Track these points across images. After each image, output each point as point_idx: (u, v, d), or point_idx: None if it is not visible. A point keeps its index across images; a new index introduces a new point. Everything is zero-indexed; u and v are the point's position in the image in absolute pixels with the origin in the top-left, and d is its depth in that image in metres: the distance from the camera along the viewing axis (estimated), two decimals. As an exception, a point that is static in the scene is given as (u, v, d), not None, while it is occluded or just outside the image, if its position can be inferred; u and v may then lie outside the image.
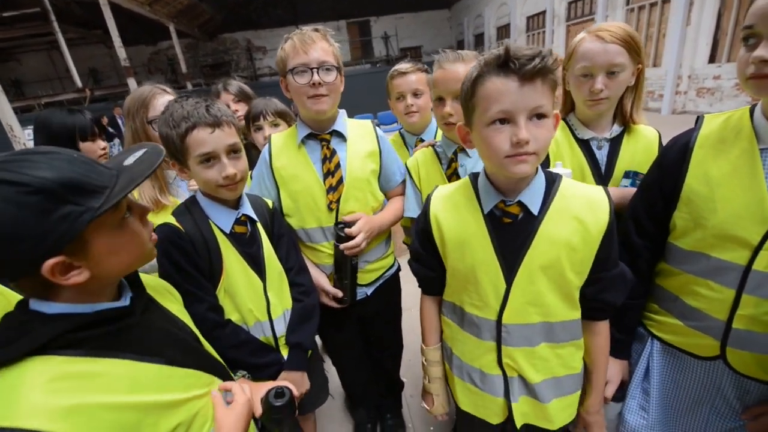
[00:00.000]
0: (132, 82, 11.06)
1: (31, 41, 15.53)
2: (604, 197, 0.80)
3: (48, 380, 0.50)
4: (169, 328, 0.72)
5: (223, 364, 0.83)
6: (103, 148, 1.60)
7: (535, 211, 0.80)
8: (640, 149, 1.10)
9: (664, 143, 1.12)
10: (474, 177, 0.90)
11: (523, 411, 0.90)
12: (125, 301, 0.64)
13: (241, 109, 1.86)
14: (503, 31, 15.71)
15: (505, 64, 0.69)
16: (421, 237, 0.96)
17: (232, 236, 1.01)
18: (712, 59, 7.71)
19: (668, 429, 1.00)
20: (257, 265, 1.05)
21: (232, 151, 0.97)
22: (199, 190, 1.03)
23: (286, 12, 19.42)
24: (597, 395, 0.93)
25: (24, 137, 7.71)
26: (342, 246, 1.22)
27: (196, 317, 0.92)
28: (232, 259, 1.00)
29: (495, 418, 0.94)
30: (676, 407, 0.97)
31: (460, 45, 19.68)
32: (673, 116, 8.33)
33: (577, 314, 0.85)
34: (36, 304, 0.55)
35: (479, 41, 17.77)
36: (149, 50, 19.46)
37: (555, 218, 0.80)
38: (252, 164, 1.71)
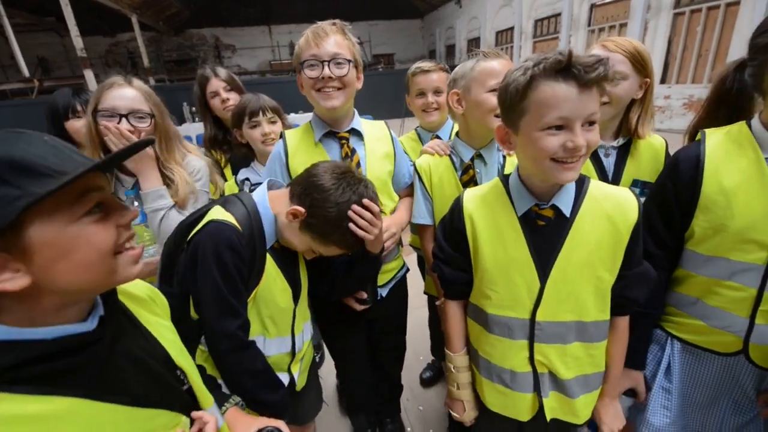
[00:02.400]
0: (89, 74, 10.34)
1: (-31, 24, 14.13)
2: (632, 197, 0.84)
3: None
4: (141, 356, 0.60)
5: (193, 400, 0.69)
6: None
7: (567, 212, 0.84)
8: (647, 158, 1.16)
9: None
10: (504, 179, 0.92)
11: (552, 406, 0.93)
12: (92, 324, 0.53)
13: (233, 98, 1.77)
14: (474, 44, 16.25)
15: (566, 69, 0.70)
16: (453, 238, 0.96)
17: (272, 250, 0.97)
18: (663, 80, 8.41)
19: (688, 423, 1.05)
20: (294, 281, 1.03)
21: None
22: (268, 203, 0.97)
23: (258, 11, 19.03)
24: (613, 388, 0.96)
25: (-39, 128, 6.97)
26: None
27: (225, 334, 0.88)
28: (272, 272, 0.97)
29: (525, 415, 0.95)
30: (695, 402, 1.03)
31: (432, 55, 20.15)
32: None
33: (607, 315, 0.89)
34: None
35: (450, 52, 18.28)
36: (107, 41, 18.30)
37: (587, 219, 0.83)
38: (243, 163, 1.65)
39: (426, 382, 2.06)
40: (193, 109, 1.83)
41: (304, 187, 0.92)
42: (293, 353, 1.07)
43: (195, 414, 0.65)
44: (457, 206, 0.96)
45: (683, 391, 1.04)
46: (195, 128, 5.60)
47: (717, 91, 1.01)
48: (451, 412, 1.07)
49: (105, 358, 0.53)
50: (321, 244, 0.94)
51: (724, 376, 0.98)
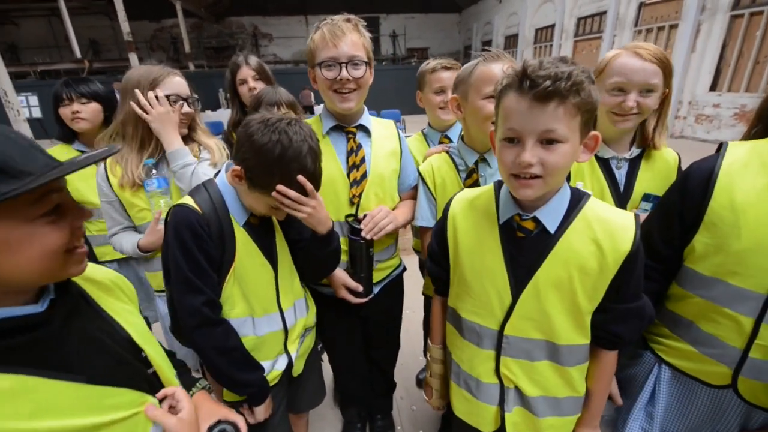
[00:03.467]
0: (134, 58, 10.84)
1: (31, 6, 15.17)
2: (629, 225, 0.76)
3: None
4: (99, 337, 0.62)
5: (162, 380, 0.72)
6: (74, 112, 1.60)
7: (551, 229, 0.79)
8: (659, 171, 1.10)
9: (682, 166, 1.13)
10: (498, 185, 0.89)
11: (514, 421, 0.90)
12: (41, 306, 0.54)
13: (260, 88, 1.79)
14: (511, 41, 15.77)
15: (521, 81, 0.68)
16: (438, 236, 0.97)
17: (247, 225, 0.99)
18: (713, 87, 7.87)
19: None
20: (270, 254, 1.03)
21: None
22: (226, 179, 0.99)
23: (295, 1, 19.26)
24: (592, 418, 0.91)
25: (18, 103, 7.51)
26: (365, 232, 1.19)
27: (188, 309, 0.90)
28: (245, 247, 0.98)
29: (487, 426, 0.93)
30: (676, 430, 0.98)
31: (468, 50, 19.73)
32: (670, 140, 8.47)
33: (585, 340, 0.83)
34: None
35: (486, 48, 17.80)
36: (153, 26, 19.12)
37: (572, 238, 0.78)
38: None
39: (422, 383, 2.05)
40: (228, 95, 1.94)
41: (237, 145, 0.91)
42: (286, 330, 1.08)
43: (160, 394, 0.68)
44: (446, 207, 0.95)
45: (666, 419, 0.99)
46: (228, 114, 5.74)
47: (763, 103, 0.94)
48: (424, 395, 1.14)
49: (56, 339, 0.55)
50: (271, 196, 0.91)
51: (710, 409, 0.93)
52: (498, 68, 1.07)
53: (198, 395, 0.84)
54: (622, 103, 1.01)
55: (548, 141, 0.69)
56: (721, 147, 0.89)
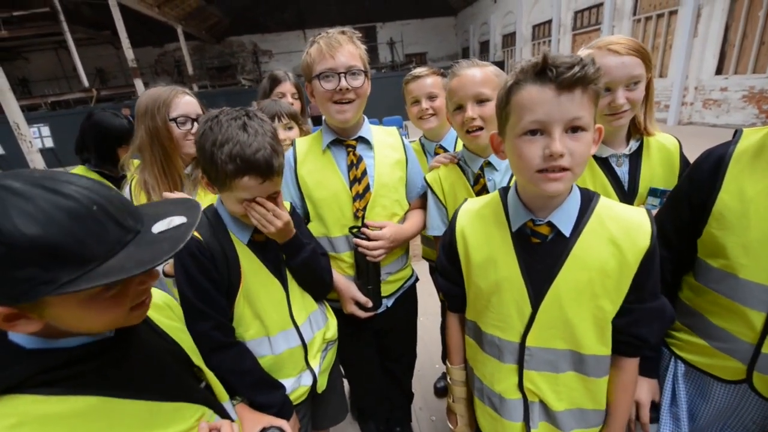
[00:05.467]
0: (139, 83, 11.12)
1: (39, 40, 15.70)
2: (645, 221, 0.74)
3: (14, 425, 0.45)
4: (159, 356, 0.66)
5: (211, 394, 0.77)
6: None
7: (566, 232, 0.75)
8: (661, 161, 1.07)
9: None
10: (504, 192, 0.87)
11: None
12: (110, 332, 0.58)
13: (296, 106, 1.81)
14: (509, 39, 15.78)
15: (542, 71, 0.66)
16: (447, 251, 0.94)
17: (251, 244, 0.99)
18: (719, 71, 7.72)
19: None
20: (278, 271, 1.02)
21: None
22: (219, 200, 1.00)
23: (292, 16, 19.60)
24: None
25: (30, 135, 7.74)
26: (361, 249, 1.18)
27: (199, 335, 0.88)
28: (251, 267, 0.97)
29: None
30: (696, 429, 0.95)
31: (465, 52, 19.79)
32: (679, 127, 8.32)
33: (608, 350, 0.79)
34: (15, 335, 0.50)
35: (484, 48, 17.86)
36: (156, 52, 19.63)
37: (589, 240, 0.74)
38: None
39: (440, 392, 2.02)
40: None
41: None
42: (304, 345, 1.06)
43: (212, 424, 0.70)
44: (452, 221, 0.93)
45: (689, 420, 0.95)
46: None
47: None
48: (449, 423, 1.06)
49: (125, 360, 0.58)
50: (225, 188, 0.89)
51: (726, 405, 0.89)
52: (456, 82, 1.11)
53: (239, 406, 0.86)
54: (612, 103, 0.99)
55: (573, 129, 0.67)
56: (736, 133, 0.85)
